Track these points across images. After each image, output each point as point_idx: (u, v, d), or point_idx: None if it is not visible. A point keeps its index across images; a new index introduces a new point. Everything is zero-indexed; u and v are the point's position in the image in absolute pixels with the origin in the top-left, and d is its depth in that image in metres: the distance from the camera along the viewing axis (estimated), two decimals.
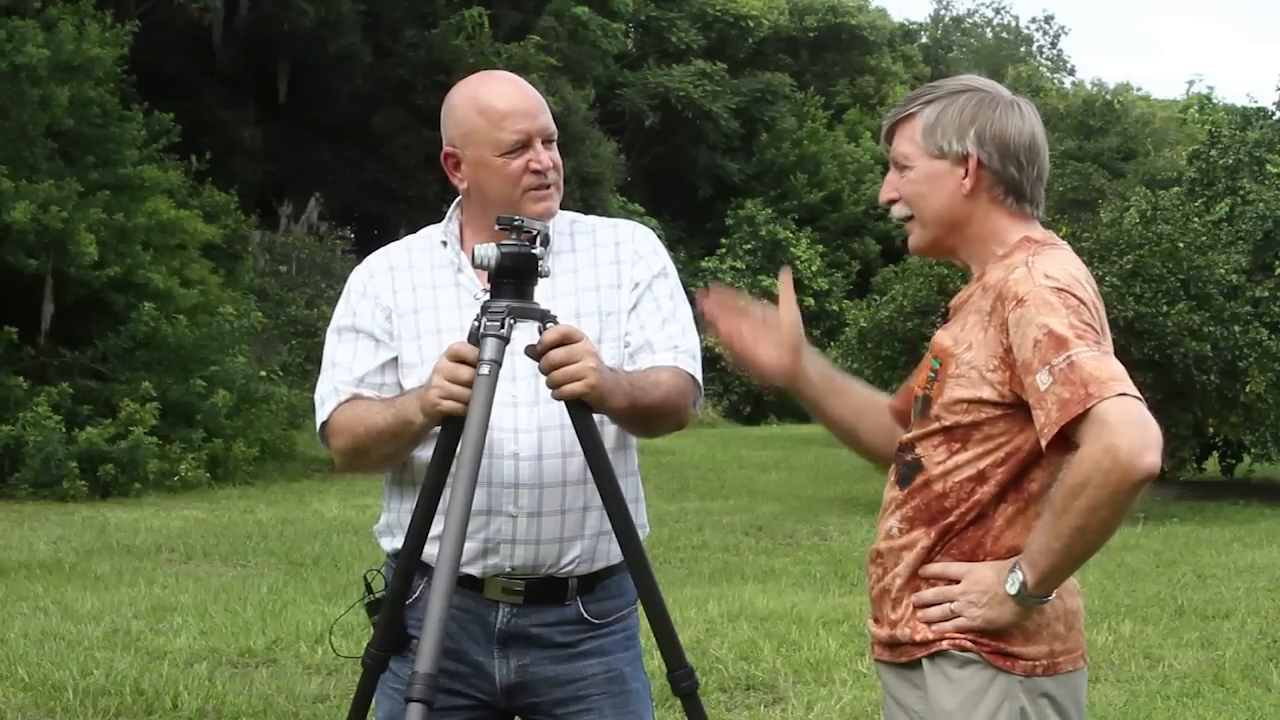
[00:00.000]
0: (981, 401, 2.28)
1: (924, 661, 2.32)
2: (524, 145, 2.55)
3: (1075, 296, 2.22)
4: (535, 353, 2.37)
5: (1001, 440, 2.28)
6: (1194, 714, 5.99)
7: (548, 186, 2.57)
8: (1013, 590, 2.23)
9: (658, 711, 5.14)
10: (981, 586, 2.26)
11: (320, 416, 2.62)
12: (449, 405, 2.36)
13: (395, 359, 2.61)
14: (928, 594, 2.32)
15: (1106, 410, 2.11)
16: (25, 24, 16.41)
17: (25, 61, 15.95)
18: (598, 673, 2.61)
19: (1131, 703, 6.14)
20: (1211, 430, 17.09)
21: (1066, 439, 2.16)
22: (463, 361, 2.36)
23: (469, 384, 2.33)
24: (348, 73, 27.13)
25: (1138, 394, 2.15)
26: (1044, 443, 2.19)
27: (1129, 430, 2.10)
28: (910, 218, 2.41)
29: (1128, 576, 10.13)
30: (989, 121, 2.34)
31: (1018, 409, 2.24)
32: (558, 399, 2.39)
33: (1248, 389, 14.97)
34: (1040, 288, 2.22)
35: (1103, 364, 2.15)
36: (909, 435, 2.40)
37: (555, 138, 2.61)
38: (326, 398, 2.61)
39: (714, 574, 10.18)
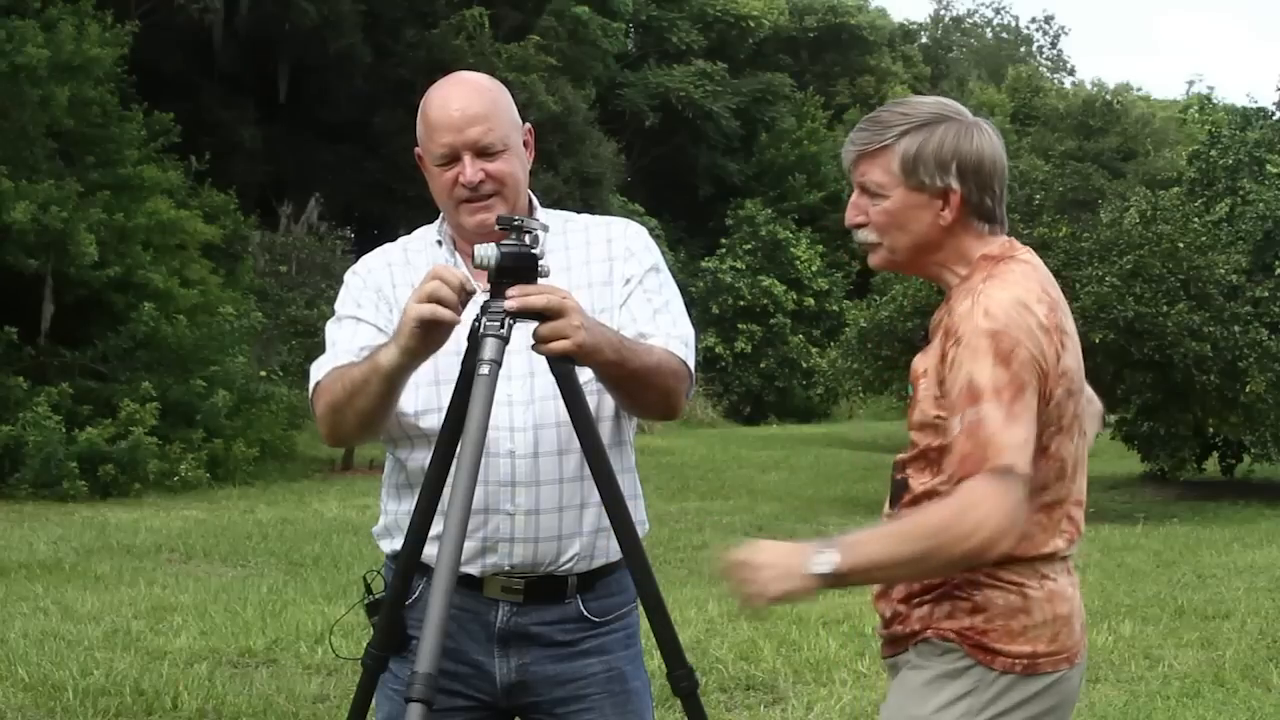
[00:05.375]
0: (935, 428, 2.35)
1: (910, 649, 2.40)
2: (452, 159, 2.54)
3: (1010, 337, 2.27)
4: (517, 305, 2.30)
5: None
6: (1194, 714, 5.99)
7: (485, 198, 2.54)
8: (820, 570, 2.25)
9: (658, 711, 5.13)
10: (773, 558, 2.29)
11: (314, 378, 2.58)
12: (425, 309, 2.29)
13: None
14: (734, 572, 2.32)
15: (985, 488, 2.20)
16: (25, 24, 16.40)
17: (25, 61, 15.94)
18: (598, 671, 2.61)
19: (1131, 703, 6.14)
20: (1211, 430, 17.08)
21: None
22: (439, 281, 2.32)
23: (444, 302, 2.29)
24: (348, 73, 27.13)
25: (1026, 466, 2.22)
26: (951, 484, 2.26)
27: (995, 519, 2.19)
28: (878, 243, 2.45)
29: (1128, 576, 10.13)
30: (969, 154, 2.37)
31: None
32: (542, 354, 2.35)
33: (1248, 389, 14.97)
34: (976, 330, 2.27)
35: (1005, 431, 2.22)
36: (901, 456, 2.48)
37: (496, 148, 2.54)
38: (323, 365, 2.59)
39: (714, 574, 10.17)
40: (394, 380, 2.42)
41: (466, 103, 2.55)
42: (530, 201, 2.66)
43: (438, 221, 2.70)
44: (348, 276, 2.70)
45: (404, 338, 2.34)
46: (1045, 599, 2.36)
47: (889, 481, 2.49)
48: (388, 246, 2.74)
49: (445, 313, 2.30)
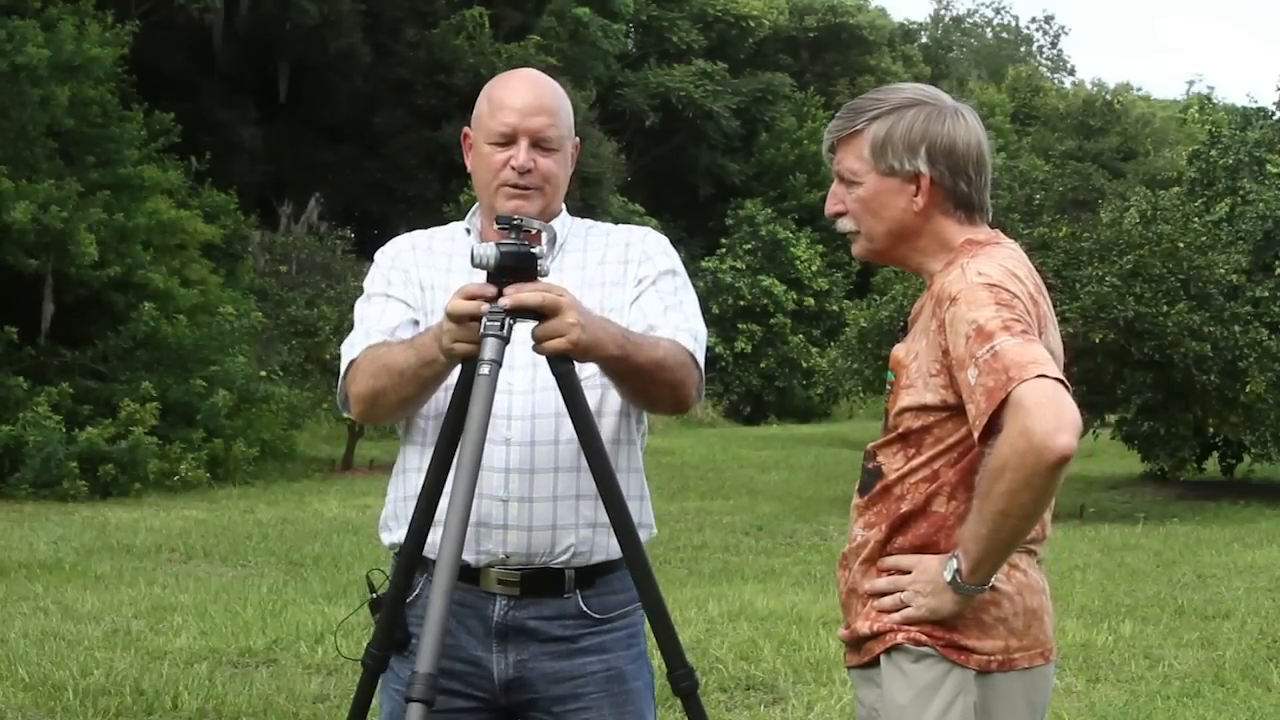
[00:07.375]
0: (926, 407, 2.32)
1: (881, 658, 2.36)
2: (509, 140, 2.57)
3: (1007, 291, 2.25)
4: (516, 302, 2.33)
5: (951, 441, 2.32)
6: (1194, 714, 5.99)
7: (525, 189, 2.57)
8: (948, 577, 2.26)
9: (658, 712, 5.14)
10: (928, 576, 2.30)
11: (349, 355, 2.61)
12: (461, 348, 2.36)
13: (418, 325, 2.63)
14: (880, 583, 2.36)
15: (1023, 393, 2.12)
16: (25, 24, 16.41)
17: (25, 61, 15.95)
18: (597, 671, 2.60)
19: (1131, 703, 6.14)
20: (1211, 430, 17.07)
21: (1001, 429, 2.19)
22: (469, 299, 2.35)
23: (476, 317, 2.32)
24: (348, 73, 27.15)
25: (1059, 376, 2.16)
26: (975, 435, 2.21)
27: (1043, 412, 2.11)
28: (857, 231, 2.44)
29: (1128, 576, 10.13)
30: (939, 137, 2.35)
31: (962, 410, 2.27)
32: (542, 354, 2.37)
33: (1248, 389, 14.96)
34: (972, 285, 2.25)
35: (1024, 350, 2.16)
36: (871, 445, 2.45)
37: (552, 145, 2.59)
38: (357, 343, 2.62)
39: (714, 574, 10.19)
40: (442, 376, 2.48)
41: (538, 94, 2.61)
42: (562, 209, 2.71)
43: (469, 214, 2.75)
44: (377, 256, 2.77)
45: (443, 363, 2.42)
46: (1015, 591, 2.33)
47: (860, 471, 2.46)
48: (414, 232, 2.81)
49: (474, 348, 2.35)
